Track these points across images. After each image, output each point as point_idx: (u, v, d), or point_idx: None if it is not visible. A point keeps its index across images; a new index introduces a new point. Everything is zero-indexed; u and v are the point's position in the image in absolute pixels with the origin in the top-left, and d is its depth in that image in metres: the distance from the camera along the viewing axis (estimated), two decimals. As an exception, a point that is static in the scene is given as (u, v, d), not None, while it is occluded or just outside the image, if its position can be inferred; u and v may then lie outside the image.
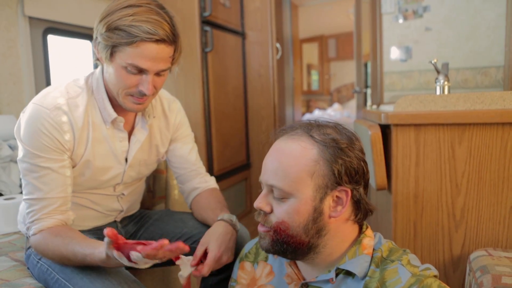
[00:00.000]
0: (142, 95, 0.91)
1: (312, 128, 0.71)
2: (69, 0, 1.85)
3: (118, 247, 0.71)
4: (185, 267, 0.83)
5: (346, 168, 0.68)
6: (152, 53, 0.85)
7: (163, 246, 0.67)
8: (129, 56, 0.85)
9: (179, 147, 1.15)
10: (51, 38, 1.86)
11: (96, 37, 0.88)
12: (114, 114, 0.96)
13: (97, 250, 0.78)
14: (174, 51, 0.91)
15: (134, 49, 0.84)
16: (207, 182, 1.17)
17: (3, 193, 1.41)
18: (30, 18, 1.73)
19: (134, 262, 0.71)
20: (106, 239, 0.71)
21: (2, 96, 1.64)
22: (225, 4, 2.39)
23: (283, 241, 0.69)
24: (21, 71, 1.71)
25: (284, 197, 0.69)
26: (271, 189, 0.71)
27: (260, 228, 0.73)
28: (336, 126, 0.73)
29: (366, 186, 0.73)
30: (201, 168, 1.18)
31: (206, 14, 2.13)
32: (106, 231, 0.68)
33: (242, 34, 2.65)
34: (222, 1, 2.35)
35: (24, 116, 0.90)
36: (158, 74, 0.91)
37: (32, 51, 1.75)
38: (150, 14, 0.84)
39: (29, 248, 0.98)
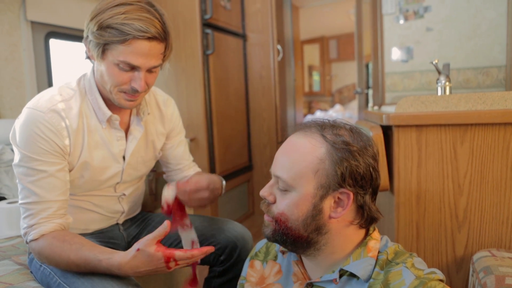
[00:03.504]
0: (135, 91, 0.92)
1: (326, 128, 0.72)
2: (70, 4, 1.87)
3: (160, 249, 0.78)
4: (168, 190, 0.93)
5: (351, 171, 0.67)
6: (144, 50, 0.86)
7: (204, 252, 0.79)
8: (121, 53, 0.86)
9: (176, 146, 1.19)
10: (53, 42, 1.87)
11: (87, 36, 0.89)
12: (109, 113, 0.97)
13: (117, 255, 0.80)
14: (165, 48, 0.92)
15: (127, 47, 0.85)
16: (195, 170, 1.25)
17: (6, 197, 1.41)
18: (32, 22, 1.74)
19: (169, 268, 0.78)
20: (155, 232, 0.77)
21: (4, 100, 1.65)
22: (226, 7, 2.40)
23: (283, 232, 0.71)
24: (24, 75, 1.72)
25: (286, 189, 0.70)
26: (277, 180, 0.72)
27: (265, 217, 0.76)
28: (352, 129, 0.72)
29: (374, 193, 0.72)
30: (192, 161, 1.25)
31: (207, 16, 2.13)
32: (167, 222, 0.77)
33: (243, 36, 2.66)
34: (223, 3, 2.36)
35: (19, 122, 0.90)
36: (149, 71, 0.92)
37: (35, 55, 1.76)
38: (141, 12, 0.85)
39: (31, 252, 0.98)
